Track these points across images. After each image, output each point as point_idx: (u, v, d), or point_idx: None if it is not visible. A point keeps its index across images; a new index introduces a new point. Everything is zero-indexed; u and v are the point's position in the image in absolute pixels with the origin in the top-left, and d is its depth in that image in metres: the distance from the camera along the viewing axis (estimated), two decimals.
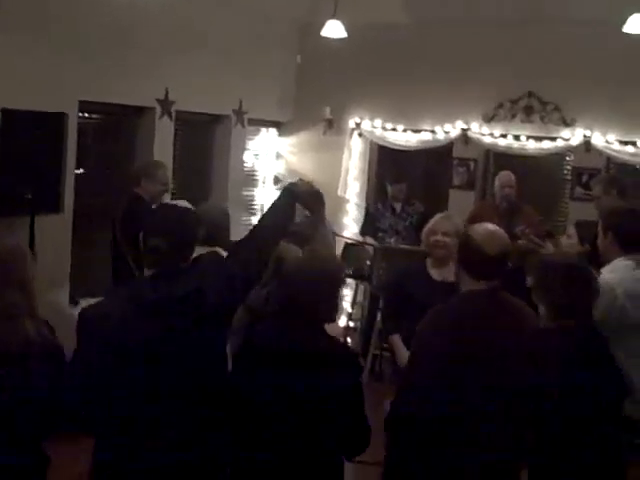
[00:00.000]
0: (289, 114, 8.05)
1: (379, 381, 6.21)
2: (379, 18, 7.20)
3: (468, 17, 7.04)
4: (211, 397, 2.56)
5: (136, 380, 2.43)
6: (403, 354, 3.72)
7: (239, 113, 7.33)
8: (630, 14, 5.38)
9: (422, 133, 7.58)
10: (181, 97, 6.45)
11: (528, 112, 7.23)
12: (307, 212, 3.05)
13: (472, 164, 7.51)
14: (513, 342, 2.73)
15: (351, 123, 7.86)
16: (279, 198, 2.89)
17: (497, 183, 6.45)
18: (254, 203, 8.16)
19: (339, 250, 6.51)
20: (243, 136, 7.57)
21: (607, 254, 3.53)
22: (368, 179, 8.01)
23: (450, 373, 2.68)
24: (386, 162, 8.01)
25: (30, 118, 5.09)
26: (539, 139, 7.17)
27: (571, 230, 4.04)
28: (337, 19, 6.13)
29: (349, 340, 6.82)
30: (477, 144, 7.41)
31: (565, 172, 7.34)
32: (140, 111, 6.40)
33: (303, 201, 2.98)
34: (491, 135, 7.34)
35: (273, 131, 8.23)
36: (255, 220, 8.02)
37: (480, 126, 7.37)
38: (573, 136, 7.04)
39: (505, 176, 6.41)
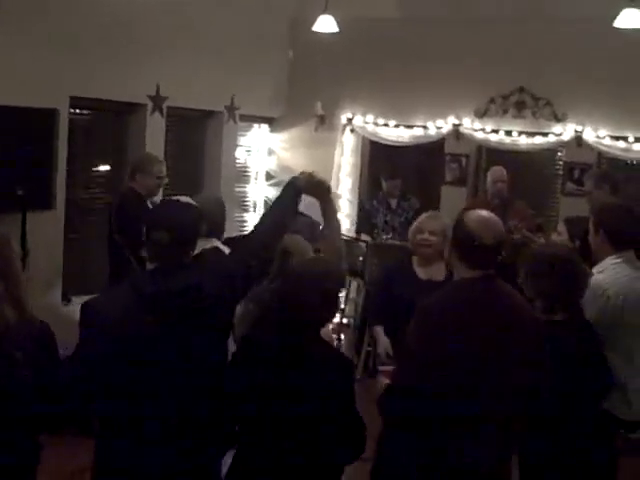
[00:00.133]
0: (281, 110, 8.04)
1: (373, 377, 6.21)
2: (371, 13, 7.19)
3: (460, 13, 7.04)
4: (209, 393, 2.56)
5: (134, 373, 2.43)
6: (383, 342, 3.92)
7: (231, 109, 7.32)
8: (621, 9, 5.39)
9: (414, 129, 7.58)
10: (173, 93, 6.43)
11: (520, 107, 7.24)
12: (317, 201, 3.05)
13: (464, 160, 7.52)
14: (510, 331, 2.73)
15: (343, 119, 7.85)
16: (282, 192, 2.90)
17: (489, 178, 6.47)
18: (246, 199, 8.15)
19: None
20: (235, 132, 7.55)
21: (598, 251, 3.52)
22: (360, 175, 8.01)
23: (447, 364, 2.67)
24: (378, 158, 8.01)
25: (21, 114, 5.07)
26: (531, 134, 7.18)
27: (561, 227, 4.04)
28: (329, 14, 6.12)
29: (342, 337, 6.82)
30: (469, 140, 7.42)
31: (557, 167, 7.36)
32: (131, 107, 6.38)
33: (308, 191, 2.96)
34: (483, 131, 7.35)
35: (265, 127, 8.21)
36: (248, 216, 8.04)
37: (472, 122, 7.38)
38: (565, 131, 7.05)
39: (497, 171, 6.44)
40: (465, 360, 2.64)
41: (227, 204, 6.77)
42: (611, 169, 6.78)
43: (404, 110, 7.53)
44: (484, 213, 2.88)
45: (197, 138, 7.36)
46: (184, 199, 3.12)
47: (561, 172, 7.26)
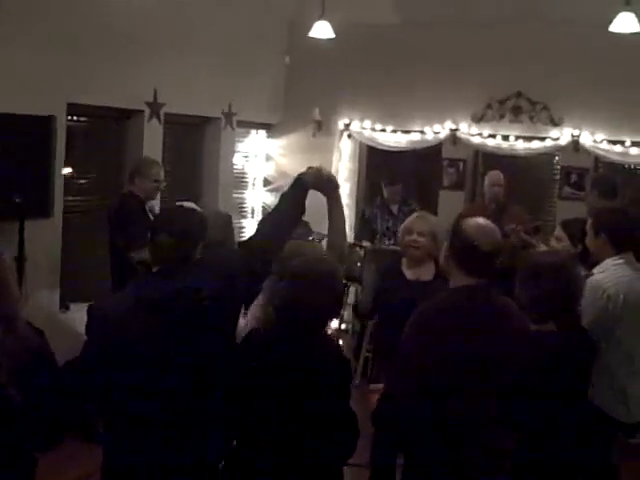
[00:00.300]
0: (278, 116, 8.04)
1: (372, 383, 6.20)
2: (367, 18, 7.21)
3: (456, 17, 7.06)
4: (210, 392, 2.58)
5: (135, 376, 2.47)
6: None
7: (228, 115, 7.32)
8: (617, 13, 5.40)
9: (411, 134, 7.59)
10: (170, 99, 6.44)
11: (517, 112, 7.26)
12: (324, 197, 3.04)
13: (461, 164, 7.53)
14: (503, 341, 2.73)
15: (340, 124, 7.86)
16: (289, 189, 2.91)
17: (486, 182, 6.49)
18: (244, 205, 8.15)
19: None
20: (232, 138, 7.55)
21: (599, 254, 3.55)
22: (358, 180, 8.01)
23: (441, 370, 2.67)
24: (376, 163, 8.02)
25: (18, 121, 5.06)
26: (528, 139, 7.20)
27: (559, 232, 4.02)
28: (325, 19, 6.13)
29: (341, 342, 6.81)
30: (466, 144, 7.43)
31: (554, 172, 7.37)
32: (129, 113, 6.37)
33: (315, 186, 2.95)
34: (480, 135, 7.36)
35: (262, 133, 8.22)
36: (246, 222, 8.03)
37: (469, 126, 7.39)
38: (561, 136, 7.07)
39: (494, 175, 6.46)
40: (457, 367, 2.65)
41: (225, 210, 6.79)
42: (609, 173, 6.80)
43: (401, 115, 7.54)
44: (481, 220, 2.89)
45: (195, 144, 7.36)
46: (188, 205, 3.15)
47: (558, 176, 7.27)
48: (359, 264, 6.60)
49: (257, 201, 8.22)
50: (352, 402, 2.67)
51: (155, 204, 5.56)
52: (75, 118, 5.98)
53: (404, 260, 3.99)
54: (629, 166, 7.03)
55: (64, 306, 5.76)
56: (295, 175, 3.00)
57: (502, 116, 7.30)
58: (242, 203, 8.11)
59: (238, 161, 7.92)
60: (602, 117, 6.85)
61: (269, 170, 8.24)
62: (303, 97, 7.84)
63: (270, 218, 2.94)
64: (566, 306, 2.99)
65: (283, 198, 2.92)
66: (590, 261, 3.64)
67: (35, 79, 5.24)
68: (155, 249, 2.61)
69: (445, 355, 2.66)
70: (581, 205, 6.40)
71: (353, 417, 2.66)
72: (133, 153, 6.27)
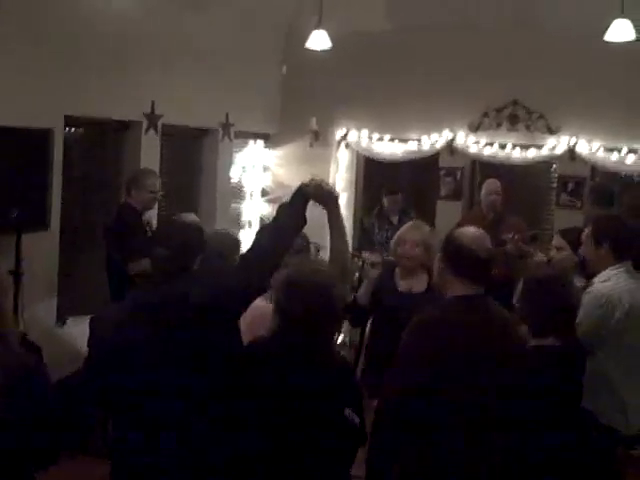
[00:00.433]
0: (276, 126, 8.05)
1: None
2: (364, 28, 7.23)
3: (453, 26, 7.07)
4: (202, 405, 2.60)
5: (134, 380, 2.55)
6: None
7: (226, 126, 7.32)
8: (612, 21, 5.42)
9: (408, 143, 7.59)
10: (167, 111, 6.44)
11: (513, 121, 7.26)
12: (323, 209, 3.05)
13: (459, 173, 7.53)
14: (501, 353, 2.73)
15: (338, 134, 7.87)
16: (290, 200, 2.91)
17: (483, 191, 6.49)
18: (242, 216, 8.14)
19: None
20: (230, 149, 7.56)
21: (599, 264, 3.51)
22: (356, 190, 8.01)
23: (437, 380, 2.66)
24: (374, 173, 8.02)
25: (15, 134, 5.07)
26: (524, 147, 7.21)
27: (559, 241, 4.00)
28: (322, 29, 6.14)
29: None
30: (463, 153, 7.44)
31: (551, 180, 7.37)
32: (126, 125, 6.38)
33: (315, 198, 2.96)
34: (477, 144, 7.36)
35: (260, 143, 8.22)
36: (244, 233, 8.02)
37: (466, 135, 7.40)
38: (558, 144, 7.08)
39: (491, 183, 6.46)
40: (453, 377, 2.64)
41: (222, 221, 6.79)
42: (606, 182, 6.80)
43: (398, 125, 7.55)
44: (473, 229, 2.90)
45: (192, 155, 7.36)
46: (189, 217, 3.17)
47: (555, 185, 7.27)
48: (357, 274, 6.59)
49: (255, 212, 8.21)
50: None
51: (152, 215, 5.56)
52: (72, 130, 5.98)
53: (397, 270, 3.97)
54: (626, 174, 7.03)
55: (61, 320, 5.75)
56: (293, 185, 3.00)
57: (499, 125, 7.31)
58: (239, 214, 8.11)
59: (235, 172, 7.92)
60: (599, 125, 6.86)
61: (267, 181, 8.24)
62: (300, 107, 7.84)
63: (269, 229, 2.94)
64: (568, 320, 2.99)
65: (283, 209, 2.92)
66: (587, 271, 3.63)
67: (32, 92, 5.25)
68: (153, 261, 2.72)
69: (443, 365, 2.66)
70: (578, 213, 6.41)
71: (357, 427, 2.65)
72: (131, 165, 6.27)
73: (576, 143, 6.98)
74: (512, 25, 6.84)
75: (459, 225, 6.02)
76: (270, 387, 2.55)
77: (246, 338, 2.77)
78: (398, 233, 4.03)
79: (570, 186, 7.06)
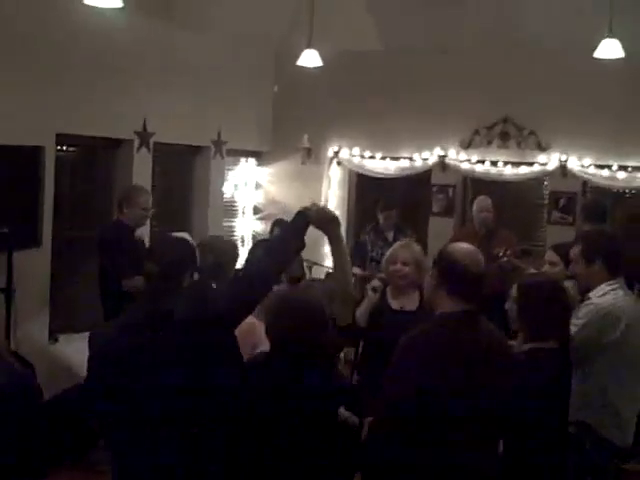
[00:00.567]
0: (268, 144, 8.07)
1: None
2: (355, 46, 7.27)
3: (443, 45, 7.12)
4: (192, 421, 2.60)
5: (118, 399, 2.58)
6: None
7: (218, 144, 7.34)
8: (601, 40, 5.47)
9: (400, 160, 7.63)
10: (159, 128, 6.45)
11: (504, 138, 7.31)
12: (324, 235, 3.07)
13: (451, 190, 7.56)
14: (487, 369, 2.73)
15: (330, 152, 7.90)
16: (291, 223, 2.92)
17: (475, 208, 6.52)
18: (234, 233, 8.14)
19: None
20: (222, 167, 7.57)
21: (592, 281, 3.49)
22: (348, 207, 8.03)
23: (426, 396, 2.66)
24: (366, 190, 8.04)
25: (7, 152, 5.06)
26: (516, 164, 7.25)
27: (552, 256, 4.01)
28: (313, 48, 6.17)
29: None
30: (455, 170, 7.47)
31: (542, 196, 7.41)
32: (118, 143, 6.38)
33: (317, 223, 2.96)
34: (468, 161, 7.40)
35: (252, 161, 8.24)
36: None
37: (457, 153, 7.44)
38: (549, 161, 7.12)
39: (482, 201, 6.48)
40: (443, 394, 2.64)
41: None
42: (598, 198, 6.83)
43: (390, 142, 7.58)
44: (465, 245, 2.90)
45: (184, 173, 7.36)
46: (182, 235, 3.19)
47: (547, 201, 7.31)
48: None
49: (247, 229, 8.22)
50: None
51: (144, 232, 5.55)
52: (64, 148, 5.98)
53: (389, 289, 3.97)
54: (617, 190, 7.07)
55: (53, 337, 5.71)
56: (285, 202, 3.03)
57: (490, 142, 7.35)
58: (232, 231, 8.10)
59: (228, 189, 7.93)
60: (589, 142, 6.91)
61: (259, 198, 8.25)
62: (292, 125, 7.88)
63: (265, 246, 2.97)
64: (565, 324, 3.03)
65: (282, 228, 2.95)
66: (580, 287, 3.62)
67: (24, 110, 5.25)
68: (145, 276, 2.78)
69: (431, 382, 2.65)
70: (570, 229, 6.44)
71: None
72: (122, 182, 6.26)
73: (567, 160, 7.03)
74: (502, 44, 6.90)
75: (452, 242, 6.08)
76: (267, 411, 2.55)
77: None
78: (389, 252, 4.03)
79: (562, 202, 7.10)
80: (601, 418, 3.34)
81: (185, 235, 3.78)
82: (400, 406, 2.66)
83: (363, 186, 8.08)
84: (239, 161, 8.12)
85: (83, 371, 2.71)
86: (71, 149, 6.15)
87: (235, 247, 3.97)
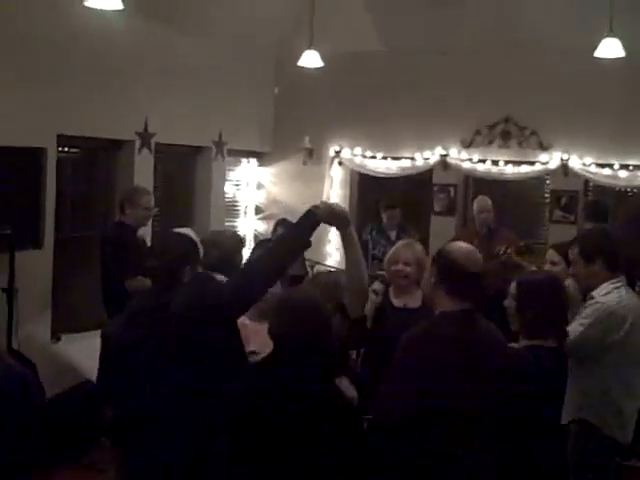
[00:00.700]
0: (269, 144, 8.08)
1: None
2: (355, 47, 7.28)
3: (444, 44, 7.13)
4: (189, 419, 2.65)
5: (133, 384, 2.66)
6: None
7: (219, 144, 7.35)
8: (602, 39, 5.48)
9: (402, 160, 7.63)
10: (161, 129, 6.46)
11: (505, 137, 7.32)
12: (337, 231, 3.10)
13: (452, 190, 7.56)
14: (487, 367, 2.73)
15: (331, 152, 7.91)
16: (299, 221, 2.94)
17: (475, 208, 6.52)
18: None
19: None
20: (224, 167, 7.58)
21: (593, 280, 3.48)
22: (350, 207, 8.03)
23: (426, 395, 2.66)
24: (367, 190, 8.05)
25: (8, 154, 5.07)
26: (517, 163, 7.25)
27: (553, 255, 4.01)
28: (313, 49, 6.19)
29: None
30: (456, 170, 7.48)
31: (544, 195, 7.41)
32: (119, 144, 6.39)
33: (327, 220, 2.98)
34: (470, 161, 7.41)
35: (254, 161, 8.25)
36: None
37: (459, 152, 7.44)
38: (551, 160, 7.12)
39: (482, 201, 6.48)
40: (442, 392, 2.64)
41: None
42: (600, 198, 6.84)
43: (391, 142, 7.59)
44: (465, 244, 2.92)
45: (186, 174, 7.37)
46: (184, 230, 3.19)
47: (548, 200, 7.31)
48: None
49: (249, 229, 8.23)
50: None
51: (146, 232, 5.57)
52: (66, 149, 5.99)
53: (391, 288, 3.98)
54: (619, 189, 7.07)
55: (55, 337, 5.72)
56: (287, 202, 3.04)
57: (491, 141, 7.36)
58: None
59: (229, 189, 7.94)
60: (590, 141, 6.91)
61: (260, 198, 8.27)
62: (293, 125, 7.89)
63: (269, 244, 3.00)
64: (563, 322, 3.05)
65: (288, 226, 2.97)
66: (581, 287, 3.62)
67: (25, 111, 5.25)
68: (148, 271, 2.93)
69: (432, 380, 2.66)
70: (572, 228, 6.45)
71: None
72: (124, 183, 6.27)
73: (568, 159, 7.03)
74: (503, 44, 6.91)
75: (453, 240, 6.08)
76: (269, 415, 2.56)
77: None
78: (391, 251, 4.04)
79: (564, 201, 7.10)
80: (604, 417, 3.34)
81: (188, 231, 3.78)
82: (400, 406, 2.67)
83: (365, 186, 8.09)
84: (240, 161, 8.13)
85: (85, 370, 2.74)
86: (73, 150, 6.15)
87: (239, 239, 3.96)
